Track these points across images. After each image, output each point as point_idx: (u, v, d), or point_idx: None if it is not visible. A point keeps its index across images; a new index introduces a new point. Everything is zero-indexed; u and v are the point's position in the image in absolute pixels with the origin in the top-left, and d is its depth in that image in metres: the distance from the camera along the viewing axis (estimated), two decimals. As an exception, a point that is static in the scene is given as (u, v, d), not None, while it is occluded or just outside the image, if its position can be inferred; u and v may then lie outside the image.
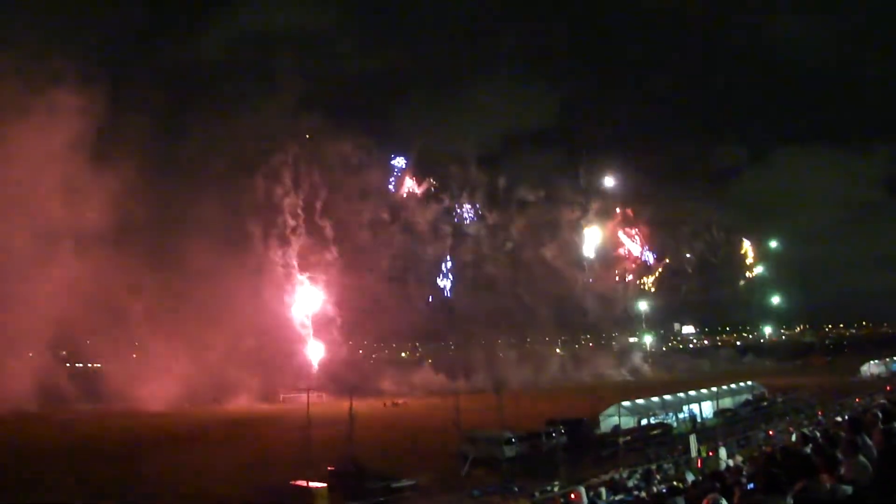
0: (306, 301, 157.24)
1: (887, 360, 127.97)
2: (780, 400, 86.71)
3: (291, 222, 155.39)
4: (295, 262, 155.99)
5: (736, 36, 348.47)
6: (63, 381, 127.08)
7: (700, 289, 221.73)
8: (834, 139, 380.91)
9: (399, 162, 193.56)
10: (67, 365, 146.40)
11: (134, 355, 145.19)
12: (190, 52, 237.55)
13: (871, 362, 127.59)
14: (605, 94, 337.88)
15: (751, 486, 15.06)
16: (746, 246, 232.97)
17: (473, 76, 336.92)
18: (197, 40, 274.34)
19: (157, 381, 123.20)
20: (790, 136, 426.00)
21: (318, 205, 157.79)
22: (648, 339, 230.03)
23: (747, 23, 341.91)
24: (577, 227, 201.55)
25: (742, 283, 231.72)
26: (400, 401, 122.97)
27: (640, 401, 78.19)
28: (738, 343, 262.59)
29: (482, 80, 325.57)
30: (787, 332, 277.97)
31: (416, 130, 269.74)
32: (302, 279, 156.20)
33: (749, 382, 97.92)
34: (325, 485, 47.91)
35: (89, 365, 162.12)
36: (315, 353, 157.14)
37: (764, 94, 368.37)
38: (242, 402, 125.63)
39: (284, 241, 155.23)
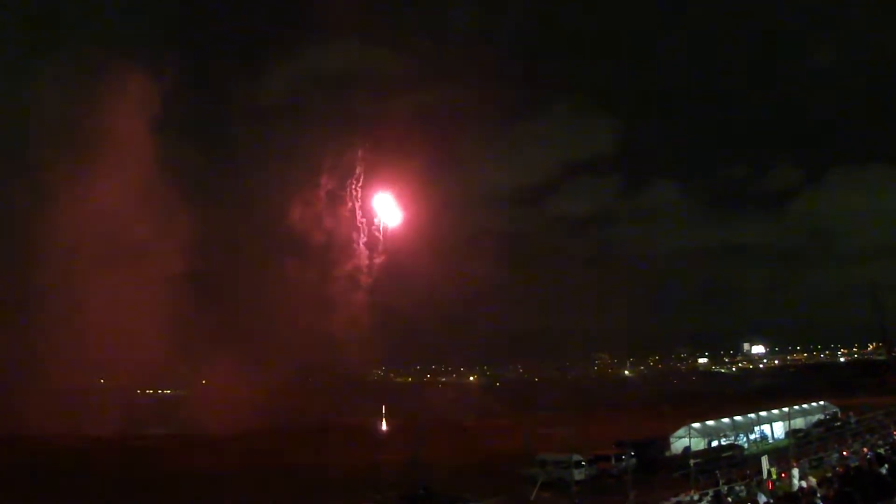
0: (374, 325, 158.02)
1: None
2: (853, 420, 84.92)
3: (358, 250, 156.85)
4: (361, 288, 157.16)
5: (791, 58, 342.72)
6: (135, 406, 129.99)
7: (770, 309, 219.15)
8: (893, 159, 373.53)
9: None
10: (139, 391, 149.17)
11: (203, 381, 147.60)
12: (252, 91, 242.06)
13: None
14: (662, 121, 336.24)
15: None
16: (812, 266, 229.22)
17: (532, 109, 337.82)
18: (259, 81, 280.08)
19: (229, 407, 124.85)
20: (847, 157, 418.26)
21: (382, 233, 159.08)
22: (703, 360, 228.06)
23: (803, 45, 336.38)
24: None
25: (812, 302, 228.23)
26: (468, 423, 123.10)
27: (710, 422, 77.36)
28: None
29: (540, 112, 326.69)
30: (859, 351, 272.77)
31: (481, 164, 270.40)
32: (367, 304, 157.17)
33: (821, 402, 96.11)
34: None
35: (160, 391, 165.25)
36: (384, 376, 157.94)
37: (820, 115, 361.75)
38: (313, 425, 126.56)
39: (351, 268, 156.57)
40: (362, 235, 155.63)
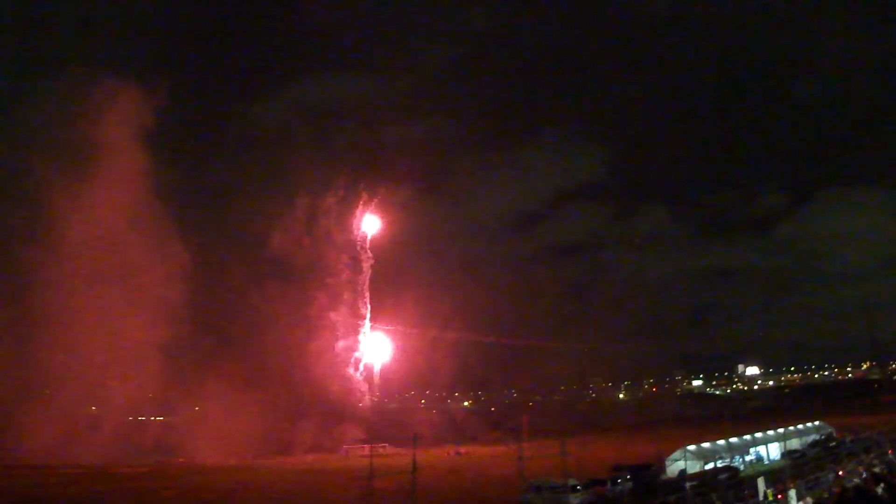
0: (368, 353, 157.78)
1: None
2: (848, 440, 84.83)
3: (349, 277, 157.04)
4: (357, 316, 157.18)
5: (776, 82, 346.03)
6: (128, 434, 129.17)
7: (763, 331, 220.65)
8: (877, 180, 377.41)
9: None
10: (130, 419, 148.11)
11: (196, 408, 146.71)
12: (245, 122, 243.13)
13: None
14: (651, 148, 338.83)
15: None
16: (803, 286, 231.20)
17: (522, 137, 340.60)
18: (252, 111, 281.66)
19: (221, 434, 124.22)
20: (833, 180, 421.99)
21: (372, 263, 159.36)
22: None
23: (787, 75, 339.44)
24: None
25: (804, 323, 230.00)
26: (463, 450, 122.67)
27: (705, 444, 77.13)
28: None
29: (529, 141, 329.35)
30: (853, 370, 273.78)
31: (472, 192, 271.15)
32: (364, 333, 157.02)
33: (816, 422, 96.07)
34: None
35: (151, 418, 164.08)
36: (376, 404, 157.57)
37: (804, 140, 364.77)
38: (305, 454, 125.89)
39: (347, 296, 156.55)
40: (354, 262, 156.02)
